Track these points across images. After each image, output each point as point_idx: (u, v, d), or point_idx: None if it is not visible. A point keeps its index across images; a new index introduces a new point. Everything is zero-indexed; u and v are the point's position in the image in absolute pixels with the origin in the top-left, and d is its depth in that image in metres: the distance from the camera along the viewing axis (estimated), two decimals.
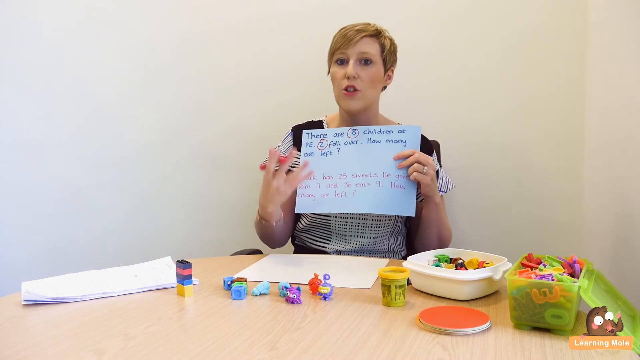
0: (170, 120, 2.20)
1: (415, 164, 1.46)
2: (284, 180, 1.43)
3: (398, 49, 1.78)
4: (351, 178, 1.52)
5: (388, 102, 1.89)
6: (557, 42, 1.86)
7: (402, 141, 1.50)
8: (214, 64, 2.15)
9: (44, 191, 2.25)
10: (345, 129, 1.55)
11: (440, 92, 1.97)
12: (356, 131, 1.54)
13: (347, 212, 1.57)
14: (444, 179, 1.65)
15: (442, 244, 1.59)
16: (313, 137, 1.57)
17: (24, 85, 2.23)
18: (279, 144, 1.71)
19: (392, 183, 1.49)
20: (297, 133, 1.67)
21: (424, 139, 1.63)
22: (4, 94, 2.24)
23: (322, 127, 1.70)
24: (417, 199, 1.51)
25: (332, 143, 1.55)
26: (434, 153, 1.67)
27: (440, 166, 1.68)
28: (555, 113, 1.88)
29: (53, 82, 2.21)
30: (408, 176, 1.47)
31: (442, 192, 1.62)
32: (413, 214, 1.49)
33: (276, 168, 1.42)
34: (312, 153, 1.55)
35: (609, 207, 1.62)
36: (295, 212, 1.55)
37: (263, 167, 1.44)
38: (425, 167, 1.45)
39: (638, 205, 1.39)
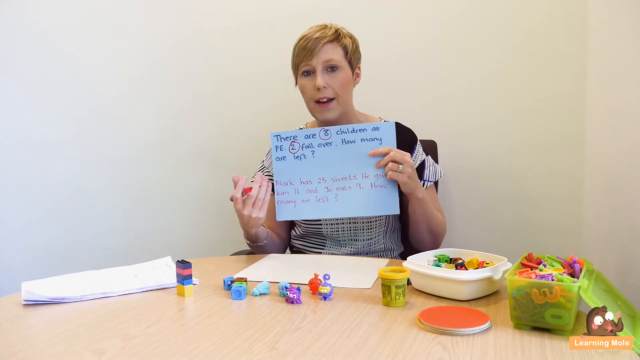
0: (169, 120, 2.20)
1: (391, 164, 1.42)
2: (253, 206, 1.43)
3: (397, 50, 1.79)
4: (331, 182, 1.49)
5: (387, 104, 1.90)
6: (557, 43, 1.85)
7: (377, 139, 1.45)
8: (212, 63, 2.15)
9: (43, 191, 2.25)
10: (316, 130, 1.49)
11: (440, 94, 1.97)
12: (328, 132, 1.48)
13: (331, 217, 1.56)
14: (431, 167, 1.64)
15: (435, 236, 1.58)
16: (282, 139, 1.50)
17: (23, 85, 2.23)
18: (263, 159, 1.71)
19: (372, 183, 1.47)
20: None
21: (404, 130, 1.63)
22: (4, 93, 2.24)
23: None
24: (402, 195, 1.50)
25: (304, 145, 1.49)
26: (418, 144, 1.65)
27: (427, 155, 1.66)
28: (556, 114, 1.88)
29: (52, 82, 2.22)
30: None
31: (430, 181, 1.61)
32: (397, 212, 1.47)
33: (244, 198, 1.43)
34: (284, 157, 1.50)
35: (608, 208, 1.62)
36: (277, 219, 1.53)
37: (232, 200, 1.44)
38: (401, 166, 1.42)
39: (638, 206, 1.39)
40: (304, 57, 1.54)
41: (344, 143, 1.48)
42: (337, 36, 1.56)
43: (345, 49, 1.56)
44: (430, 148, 1.84)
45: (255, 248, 1.58)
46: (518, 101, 1.91)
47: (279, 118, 2.01)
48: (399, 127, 1.65)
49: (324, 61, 1.54)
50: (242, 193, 1.44)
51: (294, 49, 1.58)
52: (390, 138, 1.46)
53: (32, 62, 2.22)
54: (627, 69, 1.47)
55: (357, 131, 1.47)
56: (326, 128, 1.49)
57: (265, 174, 1.67)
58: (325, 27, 1.57)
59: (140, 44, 2.18)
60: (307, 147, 1.50)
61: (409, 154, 1.46)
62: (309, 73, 1.56)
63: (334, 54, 1.54)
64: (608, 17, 1.65)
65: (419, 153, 1.63)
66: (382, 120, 1.66)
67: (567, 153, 1.88)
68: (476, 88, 1.94)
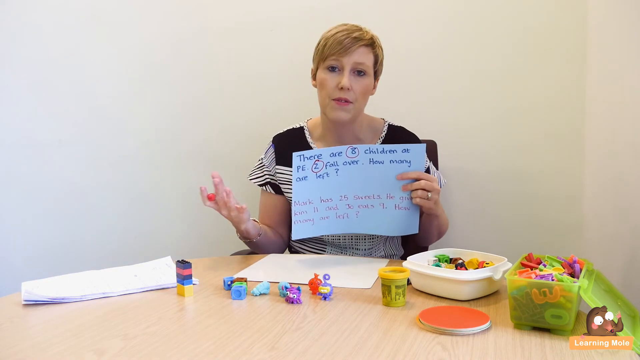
0: (169, 120, 2.20)
1: (420, 191, 1.41)
2: (228, 205, 1.42)
3: (397, 49, 1.78)
4: (353, 200, 1.45)
5: (386, 103, 1.89)
6: (557, 42, 1.85)
7: (406, 161, 1.42)
8: (212, 63, 2.15)
9: (43, 191, 2.25)
10: (343, 148, 1.42)
11: (439, 93, 1.97)
12: (356, 150, 1.42)
13: (350, 232, 1.53)
14: (435, 174, 1.63)
15: (441, 236, 1.63)
16: (306, 159, 1.40)
17: (23, 85, 2.23)
18: (262, 157, 1.68)
19: (397, 205, 1.45)
20: (278, 144, 1.63)
21: (409, 135, 1.62)
22: (4, 93, 2.24)
23: (303, 134, 1.65)
24: None
25: (328, 164, 1.42)
26: None
27: (430, 161, 1.66)
28: (555, 113, 1.88)
29: (52, 82, 2.22)
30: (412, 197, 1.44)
31: None
32: (417, 232, 1.48)
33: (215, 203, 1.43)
34: (305, 177, 1.41)
35: (608, 208, 1.62)
36: (293, 239, 1.50)
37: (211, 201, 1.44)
38: (430, 193, 1.41)
39: (638, 206, 1.39)
40: (336, 52, 1.48)
41: (371, 163, 1.43)
42: (373, 43, 1.52)
43: (376, 57, 1.53)
44: (431, 148, 1.83)
45: (251, 245, 1.56)
46: (518, 101, 1.91)
47: (279, 118, 2.00)
48: (403, 132, 1.65)
49: (355, 62, 1.49)
50: (209, 199, 1.43)
51: (326, 39, 1.52)
52: (419, 161, 1.43)
53: (32, 62, 2.22)
54: (627, 68, 1.47)
55: (387, 152, 1.42)
56: (354, 146, 1.42)
57: (265, 172, 1.66)
58: (361, 29, 1.52)
59: (140, 44, 2.18)
60: (332, 165, 1.42)
61: (436, 179, 1.46)
62: (335, 69, 1.51)
63: (366, 58, 1.51)
64: (608, 17, 1.65)
65: (425, 160, 1.62)
66: (385, 123, 1.66)
67: (567, 153, 1.88)
68: (476, 88, 1.94)
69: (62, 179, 2.25)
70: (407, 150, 1.43)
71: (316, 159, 1.41)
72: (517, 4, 1.88)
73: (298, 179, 1.41)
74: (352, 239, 1.60)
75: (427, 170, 1.61)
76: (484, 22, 1.91)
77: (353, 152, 1.43)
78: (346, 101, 1.51)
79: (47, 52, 2.21)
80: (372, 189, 1.45)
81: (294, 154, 1.40)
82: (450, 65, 1.95)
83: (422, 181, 1.41)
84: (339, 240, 1.61)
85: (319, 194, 1.44)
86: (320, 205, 1.45)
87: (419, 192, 1.41)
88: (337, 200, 1.45)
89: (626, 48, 1.48)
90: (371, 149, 1.43)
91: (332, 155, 1.42)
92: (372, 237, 1.60)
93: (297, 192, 1.41)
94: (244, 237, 1.53)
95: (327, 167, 1.42)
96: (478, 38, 1.92)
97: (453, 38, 1.94)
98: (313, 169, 1.42)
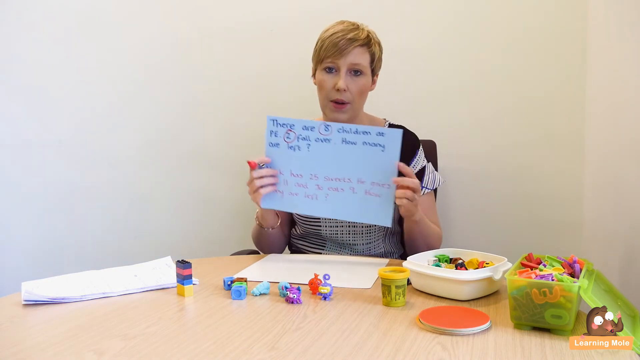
0: (169, 121, 2.20)
1: (408, 192, 1.36)
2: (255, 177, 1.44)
3: (396, 49, 1.78)
4: (323, 180, 1.43)
5: (385, 102, 1.90)
6: (557, 42, 1.86)
7: (379, 145, 1.38)
8: (212, 64, 2.15)
9: (43, 191, 2.26)
10: (316, 123, 1.42)
11: (439, 93, 1.97)
12: (329, 128, 1.41)
13: (318, 216, 1.54)
14: (430, 175, 1.62)
15: (432, 248, 1.55)
16: (279, 125, 1.43)
17: (23, 86, 2.23)
18: None
19: (367, 190, 1.42)
20: None
21: (408, 133, 1.61)
22: (4, 93, 2.24)
23: None
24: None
25: (300, 137, 1.42)
26: (420, 149, 1.63)
27: (428, 162, 1.65)
28: (555, 113, 1.88)
29: (52, 82, 2.22)
30: (385, 185, 1.39)
31: (428, 189, 1.61)
32: (389, 225, 1.43)
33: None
34: (277, 144, 1.44)
35: (608, 207, 1.62)
36: (261, 207, 1.48)
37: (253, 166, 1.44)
38: (416, 195, 1.38)
39: (637, 206, 1.39)
40: (332, 54, 1.50)
41: (343, 142, 1.42)
42: (368, 41, 1.53)
43: (372, 56, 1.54)
44: (430, 148, 1.84)
45: (262, 236, 1.58)
46: (518, 101, 1.91)
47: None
48: (403, 131, 1.64)
49: (350, 64, 1.51)
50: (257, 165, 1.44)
51: (322, 41, 1.54)
52: (394, 146, 1.38)
53: (32, 62, 2.22)
54: (627, 68, 1.47)
55: (361, 133, 1.40)
56: (328, 123, 1.42)
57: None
58: (357, 27, 1.53)
59: (140, 44, 2.18)
60: (304, 139, 1.43)
61: (419, 183, 1.39)
62: (332, 70, 1.53)
63: (361, 59, 1.52)
64: (608, 17, 1.65)
65: (420, 159, 1.62)
66: (387, 123, 1.66)
67: (567, 152, 1.88)
68: (476, 88, 1.94)
69: (62, 179, 2.25)
70: (382, 133, 1.39)
71: (288, 128, 1.44)
72: (517, 4, 1.88)
73: (270, 144, 1.45)
74: (349, 234, 1.60)
75: (423, 170, 1.61)
76: (483, 22, 1.91)
77: (326, 129, 1.42)
78: (343, 103, 1.53)
79: (47, 52, 2.21)
80: (343, 172, 1.43)
81: (268, 117, 1.45)
82: (450, 65, 1.95)
83: (414, 185, 1.37)
84: (336, 236, 1.61)
85: (290, 166, 1.45)
86: (290, 179, 1.45)
87: (407, 194, 1.36)
88: (307, 178, 1.45)
89: (626, 48, 1.48)
90: (344, 128, 1.42)
91: (304, 128, 1.43)
92: (369, 232, 1.60)
93: (269, 158, 1.46)
94: (259, 222, 1.55)
95: (299, 139, 1.44)
96: (478, 38, 1.92)
97: (453, 38, 1.94)
98: (285, 138, 1.44)
